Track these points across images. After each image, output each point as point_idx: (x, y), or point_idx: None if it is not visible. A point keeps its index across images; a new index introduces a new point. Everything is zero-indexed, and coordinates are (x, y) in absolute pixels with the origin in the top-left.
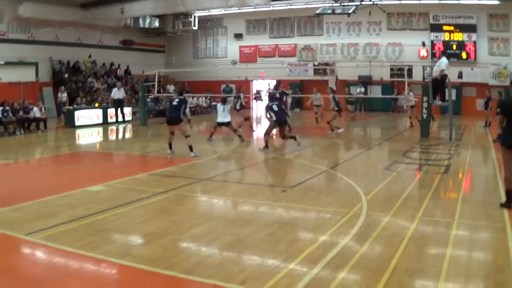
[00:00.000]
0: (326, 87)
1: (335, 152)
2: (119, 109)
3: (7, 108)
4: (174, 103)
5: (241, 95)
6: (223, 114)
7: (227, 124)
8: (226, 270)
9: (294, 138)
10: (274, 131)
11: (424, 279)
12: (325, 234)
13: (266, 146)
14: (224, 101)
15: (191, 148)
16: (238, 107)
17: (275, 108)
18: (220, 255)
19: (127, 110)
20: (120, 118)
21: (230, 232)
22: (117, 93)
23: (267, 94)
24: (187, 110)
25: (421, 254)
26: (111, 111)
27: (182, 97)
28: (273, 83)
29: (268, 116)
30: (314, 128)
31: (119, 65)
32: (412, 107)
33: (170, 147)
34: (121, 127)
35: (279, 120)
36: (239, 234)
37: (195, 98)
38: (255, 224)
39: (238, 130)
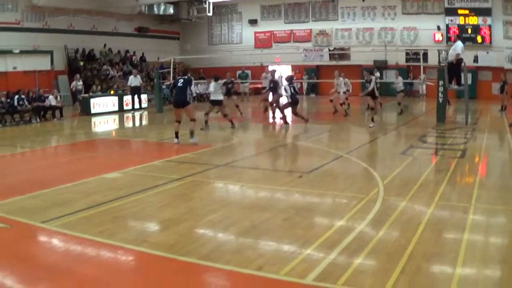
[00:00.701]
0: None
1: (351, 137)
2: (135, 96)
3: (23, 96)
4: (180, 84)
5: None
6: (215, 92)
7: (219, 103)
8: (242, 256)
9: (302, 117)
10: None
11: (441, 263)
12: (341, 219)
13: (286, 122)
14: (216, 79)
15: (192, 133)
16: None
17: (292, 90)
18: (237, 241)
19: (143, 97)
20: (136, 105)
21: (247, 218)
22: (134, 80)
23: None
24: (193, 88)
25: (438, 238)
26: (126, 98)
27: (186, 77)
28: (286, 70)
29: (285, 94)
30: (329, 114)
31: (134, 53)
32: (401, 91)
33: (177, 136)
34: (137, 114)
35: (295, 100)
36: (255, 219)
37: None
38: (271, 209)
39: (228, 115)
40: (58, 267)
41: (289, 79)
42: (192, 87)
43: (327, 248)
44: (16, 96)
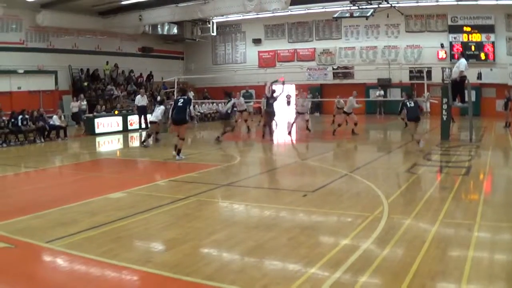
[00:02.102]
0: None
1: (355, 156)
2: (142, 116)
3: (27, 116)
4: (180, 104)
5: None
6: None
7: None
8: (247, 276)
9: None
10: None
11: (446, 281)
12: (346, 238)
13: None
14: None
15: (178, 151)
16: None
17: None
18: (241, 261)
19: (148, 117)
20: (143, 125)
21: (251, 237)
22: (141, 100)
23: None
24: (191, 108)
25: (443, 256)
26: (131, 118)
27: (186, 97)
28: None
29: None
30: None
31: (141, 74)
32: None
33: (178, 153)
34: (143, 133)
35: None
36: (260, 239)
37: (214, 104)
38: (276, 229)
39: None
40: (62, 287)
41: (271, 94)
42: (191, 107)
43: (332, 267)
44: (20, 116)
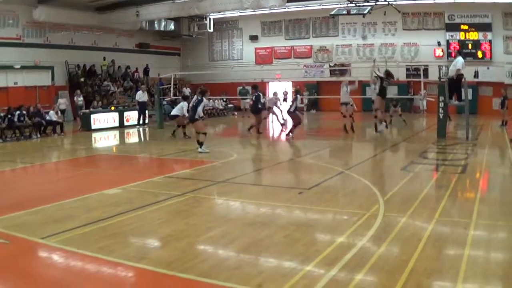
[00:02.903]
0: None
1: (351, 153)
2: (141, 112)
3: (24, 112)
4: (194, 103)
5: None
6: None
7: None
8: (243, 273)
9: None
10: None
11: (442, 280)
12: (342, 235)
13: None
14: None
15: (201, 144)
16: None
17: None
18: (237, 258)
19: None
20: (141, 121)
21: (247, 235)
22: (142, 96)
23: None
24: (199, 109)
25: (439, 255)
26: (127, 114)
27: (200, 98)
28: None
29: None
30: (329, 129)
31: (136, 69)
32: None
33: (201, 146)
34: (141, 129)
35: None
36: (256, 236)
37: (211, 101)
38: (272, 226)
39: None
40: (57, 283)
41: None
42: (199, 108)
43: (327, 265)
44: (18, 112)
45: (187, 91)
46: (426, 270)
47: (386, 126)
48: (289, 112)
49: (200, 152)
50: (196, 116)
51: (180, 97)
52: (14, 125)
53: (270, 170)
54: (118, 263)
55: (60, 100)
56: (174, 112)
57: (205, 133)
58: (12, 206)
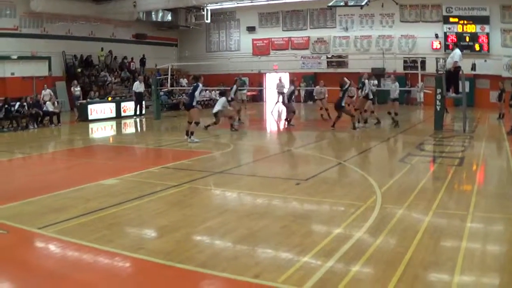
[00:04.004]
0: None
1: (349, 145)
2: (138, 102)
3: (24, 104)
4: (190, 90)
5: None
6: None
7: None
8: (240, 263)
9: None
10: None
11: (439, 272)
12: (339, 227)
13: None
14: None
15: (190, 134)
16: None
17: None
18: (234, 248)
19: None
20: (138, 111)
21: (244, 225)
22: (139, 86)
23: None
24: (196, 93)
25: (436, 246)
26: (124, 105)
27: (195, 84)
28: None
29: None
30: (327, 121)
31: (132, 59)
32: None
33: (187, 134)
34: (138, 120)
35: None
36: (253, 227)
37: (207, 91)
38: (269, 217)
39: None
40: (54, 273)
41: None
42: (196, 93)
43: (324, 256)
44: (18, 103)
45: (184, 82)
46: (423, 261)
47: (364, 122)
48: (284, 102)
49: (190, 143)
50: (194, 103)
51: (187, 87)
52: (11, 115)
53: (267, 161)
54: (115, 253)
55: (44, 92)
56: (215, 110)
57: (198, 123)
58: (10, 196)
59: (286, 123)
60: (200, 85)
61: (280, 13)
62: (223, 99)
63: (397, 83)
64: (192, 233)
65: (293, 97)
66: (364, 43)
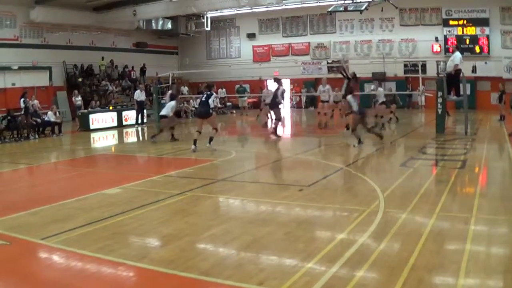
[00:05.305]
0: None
1: (351, 150)
2: (140, 111)
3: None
4: (203, 98)
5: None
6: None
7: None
8: (244, 271)
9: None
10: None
11: (444, 275)
12: (343, 232)
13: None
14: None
15: (210, 139)
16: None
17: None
18: (238, 256)
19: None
20: (140, 120)
21: (248, 232)
22: (140, 95)
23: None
24: (214, 102)
25: (440, 250)
26: (126, 114)
27: (209, 92)
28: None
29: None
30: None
31: (132, 68)
32: (382, 103)
33: (195, 144)
34: (140, 129)
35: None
36: (256, 234)
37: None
38: (272, 223)
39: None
40: (58, 283)
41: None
42: (210, 100)
43: (328, 262)
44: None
45: (185, 89)
46: (428, 265)
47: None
48: (272, 105)
49: (208, 148)
50: (211, 111)
51: (166, 96)
52: (15, 125)
53: (269, 168)
54: (119, 263)
55: (31, 102)
56: (163, 112)
57: (216, 129)
58: (12, 207)
59: (272, 134)
60: (214, 93)
61: (280, 19)
62: (173, 103)
63: (381, 89)
64: (195, 241)
65: (282, 100)
66: (364, 48)
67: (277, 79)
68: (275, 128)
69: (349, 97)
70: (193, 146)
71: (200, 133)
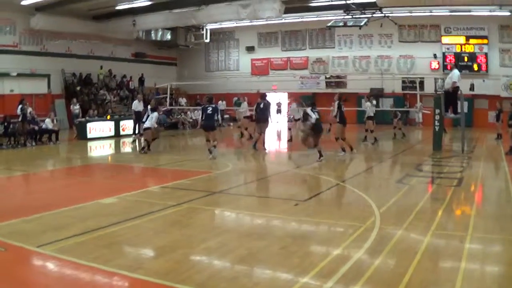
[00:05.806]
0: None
1: (347, 166)
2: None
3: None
4: (209, 111)
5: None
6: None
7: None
8: (238, 284)
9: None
10: None
11: None
12: (338, 248)
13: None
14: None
15: (210, 151)
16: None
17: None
18: (233, 269)
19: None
20: (137, 130)
21: (243, 246)
22: (138, 105)
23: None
24: (218, 116)
25: (435, 268)
26: (123, 123)
27: (214, 106)
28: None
29: None
30: (324, 141)
31: (131, 78)
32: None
33: (210, 152)
34: (135, 139)
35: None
36: (252, 247)
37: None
38: (268, 237)
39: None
40: None
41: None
42: (219, 116)
43: (323, 277)
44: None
45: (183, 101)
46: (423, 282)
47: (350, 150)
48: (260, 119)
49: (212, 155)
50: (216, 124)
51: (149, 108)
52: (13, 132)
53: (266, 181)
54: (114, 273)
55: (73, 107)
56: (147, 124)
57: (216, 142)
58: (8, 214)
59: (252, 146)
60: (219, 107)
61: (279, 33)
62: (155, 114)
63: (368, 103)
64: (191, 253)
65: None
66: (363, 64)
67: (262, 94)
68: (256, 141)
69: (308, 109)
70: (210, 155)
71: (209, 141)
